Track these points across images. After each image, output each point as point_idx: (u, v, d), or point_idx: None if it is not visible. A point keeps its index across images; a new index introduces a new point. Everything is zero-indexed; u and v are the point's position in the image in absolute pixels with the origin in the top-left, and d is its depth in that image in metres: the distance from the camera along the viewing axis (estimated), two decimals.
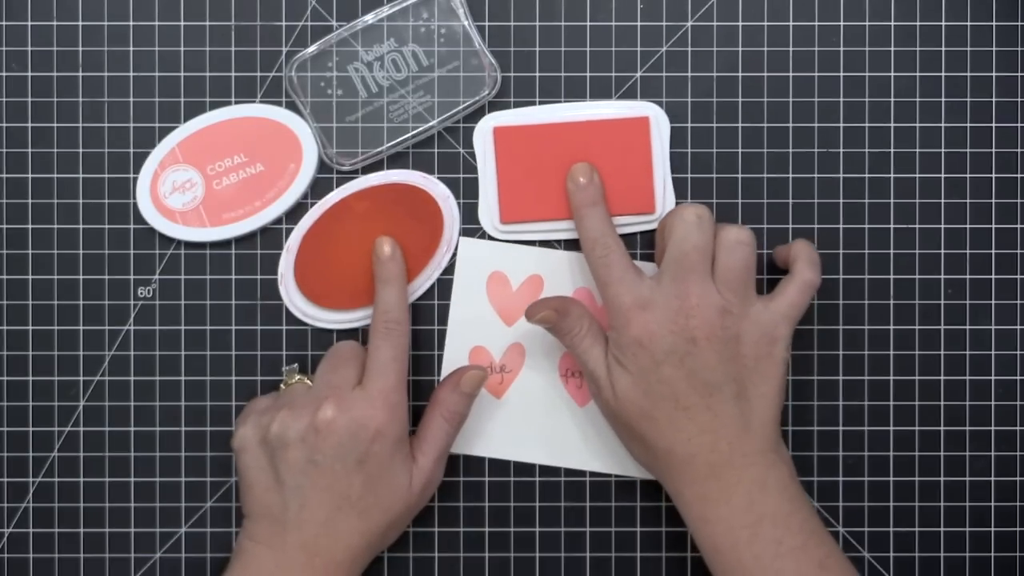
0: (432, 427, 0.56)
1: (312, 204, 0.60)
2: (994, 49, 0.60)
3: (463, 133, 0.60)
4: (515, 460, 0.60)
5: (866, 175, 0.60)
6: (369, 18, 0.59)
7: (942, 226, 0.60)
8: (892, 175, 0.60)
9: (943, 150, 0.60)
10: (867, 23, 0.60)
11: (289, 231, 0.60)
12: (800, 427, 0.60)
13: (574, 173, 0.58)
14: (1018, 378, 0.60)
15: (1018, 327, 0.60)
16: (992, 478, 0.60)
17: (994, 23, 0.60)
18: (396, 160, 0.60)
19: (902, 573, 0.60)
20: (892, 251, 0.60)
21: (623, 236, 0.59)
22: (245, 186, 0.59)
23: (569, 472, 0.60)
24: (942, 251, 0.60)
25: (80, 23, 0.60)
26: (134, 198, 0.60)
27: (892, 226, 0.60)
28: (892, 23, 0.60)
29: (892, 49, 0.60)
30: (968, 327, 0.60)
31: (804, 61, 0.60)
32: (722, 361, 0.53)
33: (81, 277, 0.60)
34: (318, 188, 0.60)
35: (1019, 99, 0.60)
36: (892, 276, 0.60)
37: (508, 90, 0.60)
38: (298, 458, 0.53)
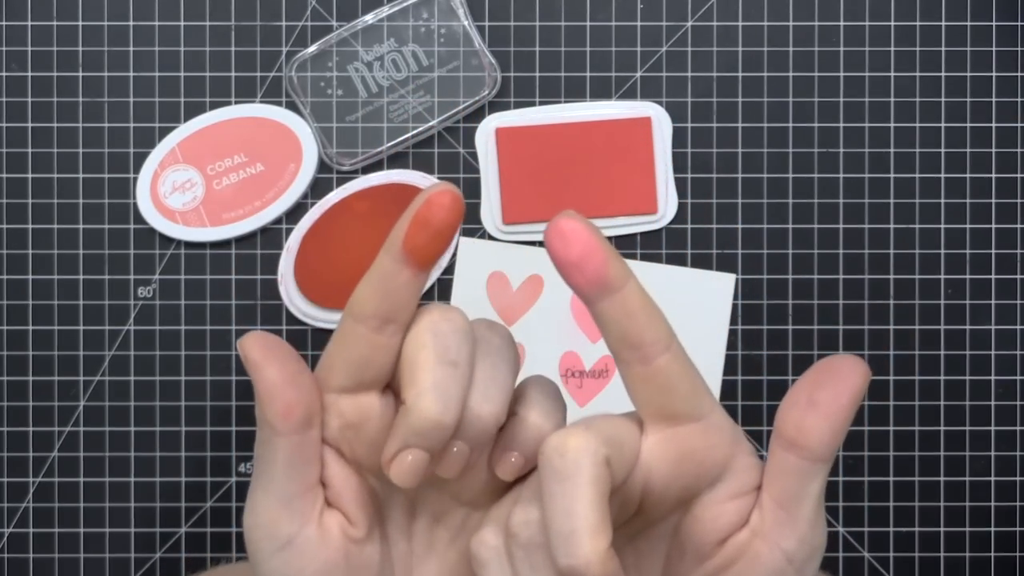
0: None
1: (312, 204, 0.60)
2: (994, 49, 0.60)
3: (463, 133, 0.60)
4: None
5: (866, 175, 0.60)
6: (369, 18, 0.59)
7: (942, 226, 0.60)
8: (892, 175, 0.60)
9: (943, 150, 0.60)
10: (867, 23, 0.60)
11: (289, 231, 0.60)
12: None
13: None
14: (1018, 378, 0.60)
15: (1018, 327, 0.60)
16: (992, 478, 0.60)
17: (994, 23, 0.60)
18: (396, 160, 0.60)
19: (902, 573, 0.60)
20: (892, 251, 0.60)
21: (624, 236, 0.59)
22: (245, 186, 0.59)
23: None
24: (942, 251, 0.60)
25: (80, 23, 0.60)
26: (134, 198, 0.60)
27: (892, 226, 0.60)
28: (892, 23, 0.60)
29: (892, 49, 0.60)
30: (968, 327, 0.60)
31: (804, 61, 0.60)
32: None
33: (81, 277, 0.60)
34: (318, 188, 0.60)
35: (1019, 99, 0.60)
36: (892, 276, 0.60)
37: (508, 90, 0.60)
38: None
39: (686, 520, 0.35)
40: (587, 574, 0.30)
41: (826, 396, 0.33)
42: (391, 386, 0.36)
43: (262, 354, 0.35)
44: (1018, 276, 0.60)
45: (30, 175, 0.60)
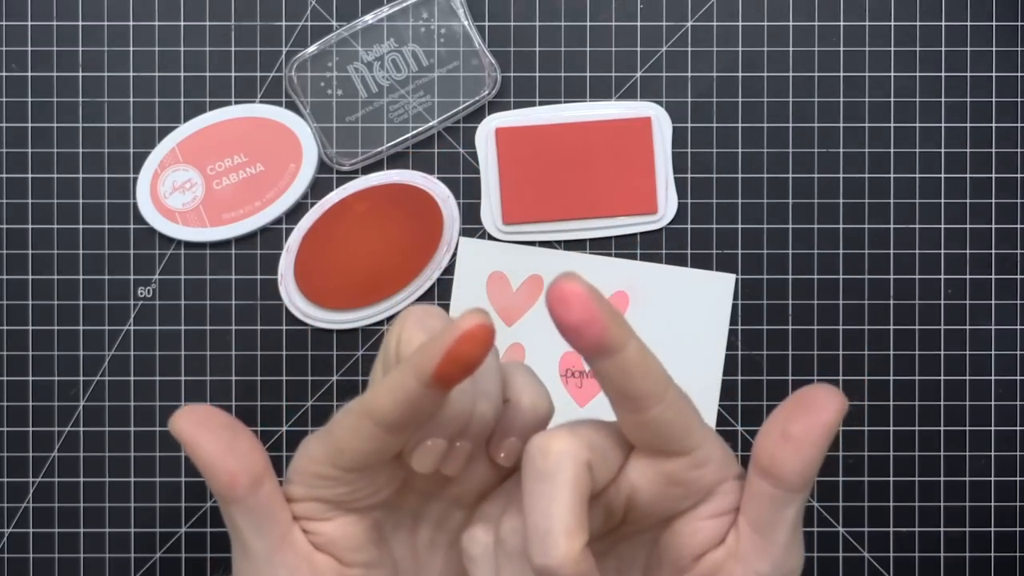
0: None
1: (312, 204, 0.60)
2: (994, 49, 0.60)
3: (463, 133, 0.60)
4: None
5: (866, 175, 0.60)
6: (369, 18, 0.59)
7: (942, 226, 0.60)
8: (892, 175, 0.60)
9: (943, 150, 0.60)
10: (867, 23, 0.60)
11: (289, 231, 0.60)
12: None
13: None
14: (1018, 378, 0.60)
15: (1018, 327, 0.60)
16: (992, 478, 0.60)
17: (994, 23, 0.60)
18: (396, 160, 0.60)
19: (902, 573, 0.60)
20: (892, 251, 0.60)
21: (624, 237, 0.59)
22: (245, 186, 0.59)
23: None
24: (942, 251, 0.60)
25: (80, 23, 0.60)
26: (134, 198, 0.60)
27: (892, 226, 0.60)
28: (892, 23, 0.60)
29: (892, 49, 0.60)
30: (968, 327, 0.60)
31: (804, 61, 0.60)
32: None
33: (81, 277, 0.60)
34: (318, 188, 0.60)
35: (1019, 99, 0.60)
36: (892, 276, 0.60)
37: (508, 90, 0.60)
38: None
39: (665, 533, 0.36)
40: (560, 574, 0.31)
41: (799, 429, 0.34)
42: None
43: (193, 430, 0.35)
44: (1018, 276, 0.60)
45: (30, 175, 0.60)
